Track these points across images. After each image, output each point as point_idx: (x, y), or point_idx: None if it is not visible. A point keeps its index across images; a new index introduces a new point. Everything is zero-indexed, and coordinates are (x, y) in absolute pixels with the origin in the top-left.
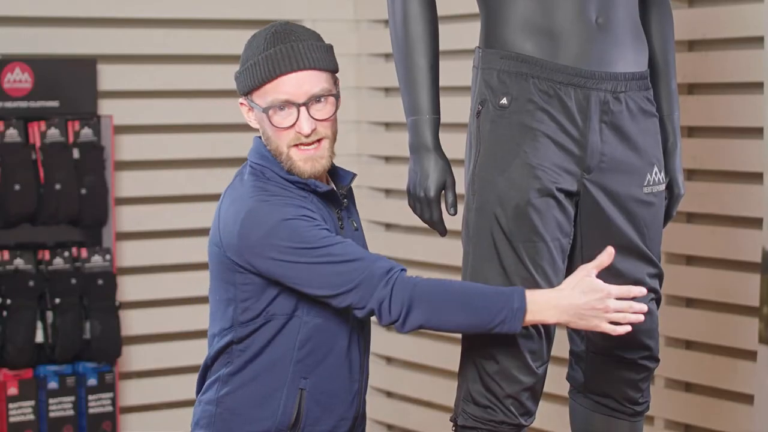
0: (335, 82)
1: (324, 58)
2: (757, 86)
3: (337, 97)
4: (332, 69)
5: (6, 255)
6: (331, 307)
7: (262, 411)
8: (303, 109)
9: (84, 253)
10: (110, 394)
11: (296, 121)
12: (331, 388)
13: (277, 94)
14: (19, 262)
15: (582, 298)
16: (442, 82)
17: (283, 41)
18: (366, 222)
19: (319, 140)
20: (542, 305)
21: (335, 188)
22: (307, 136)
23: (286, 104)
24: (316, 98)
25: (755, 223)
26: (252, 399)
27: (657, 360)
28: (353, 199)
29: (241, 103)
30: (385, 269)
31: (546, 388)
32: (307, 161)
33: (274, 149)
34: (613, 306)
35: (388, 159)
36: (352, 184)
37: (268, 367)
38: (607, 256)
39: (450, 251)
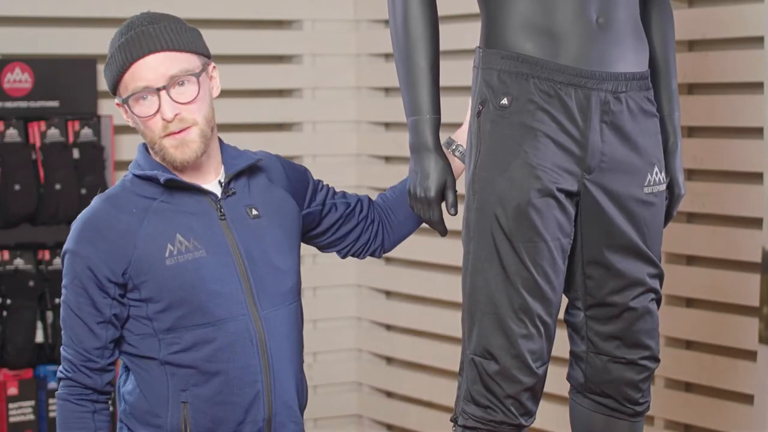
0: (204, 64)
1: (180, 39)
2: (757, 86)
3: (198, 76)
4: (194, 50)
5: (6, 255)
6: (190, 317)
7: (151, 430)
8: (163, 93)
9: None
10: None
11: (159, 108)
12: (215, 397)
13: (135, 82)
14: (19, 262)
15: None
16: (442, 82)
17: (135, 28)
18: None
19: (187, 127)
20: None
21: (225, 177)
22: (171, 122)
23: (146, 91)
24: (177, 81)
25: (755, 223)
26: (142, 417)
27: (657, 360)
28: (266, 183)
29: (117, 104)
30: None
31: (546, 388)
32: (178, 147)
33: (150, 141)
34: None
35: (388, 159)
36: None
37: (149, 384)
38: None
39: (450, 251)
